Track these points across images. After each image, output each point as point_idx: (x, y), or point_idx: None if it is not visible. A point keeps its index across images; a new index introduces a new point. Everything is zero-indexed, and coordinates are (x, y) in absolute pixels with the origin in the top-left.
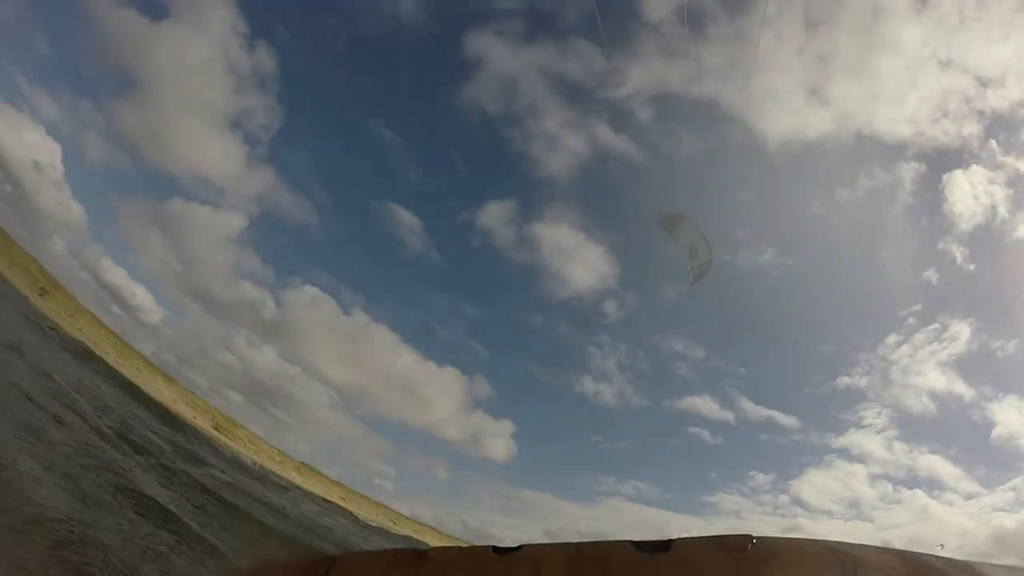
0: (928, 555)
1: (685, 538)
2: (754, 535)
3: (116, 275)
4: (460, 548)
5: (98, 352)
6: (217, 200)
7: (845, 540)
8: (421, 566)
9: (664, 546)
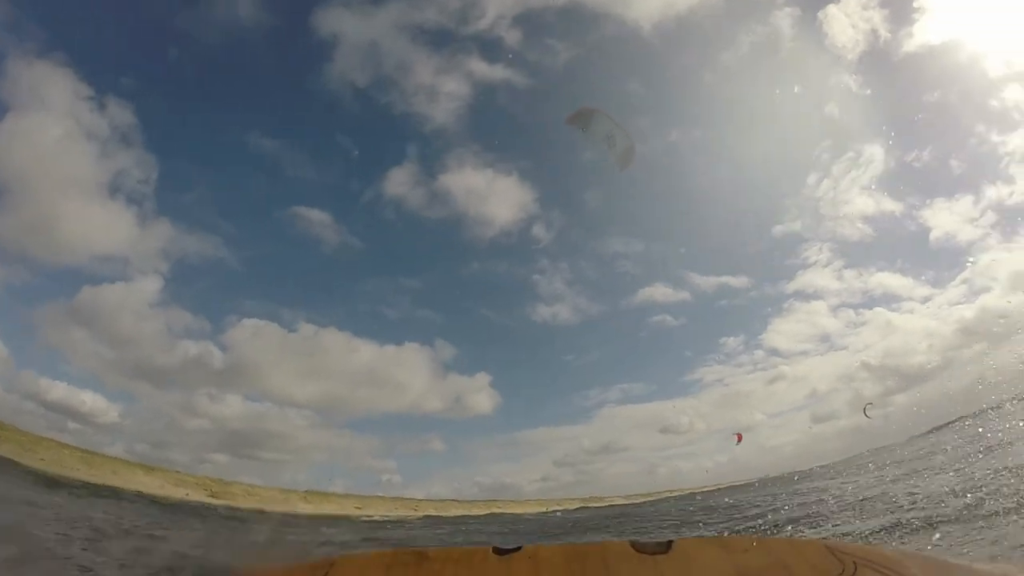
0: (927, 554)
1: (685, 539)
2: (754, 537)
3: (58, 391)
4: (460, 549)
5: (70, 473)
6: (124, 272)
7: (842, 539)
8: (421, 566)
9: (664, 546)
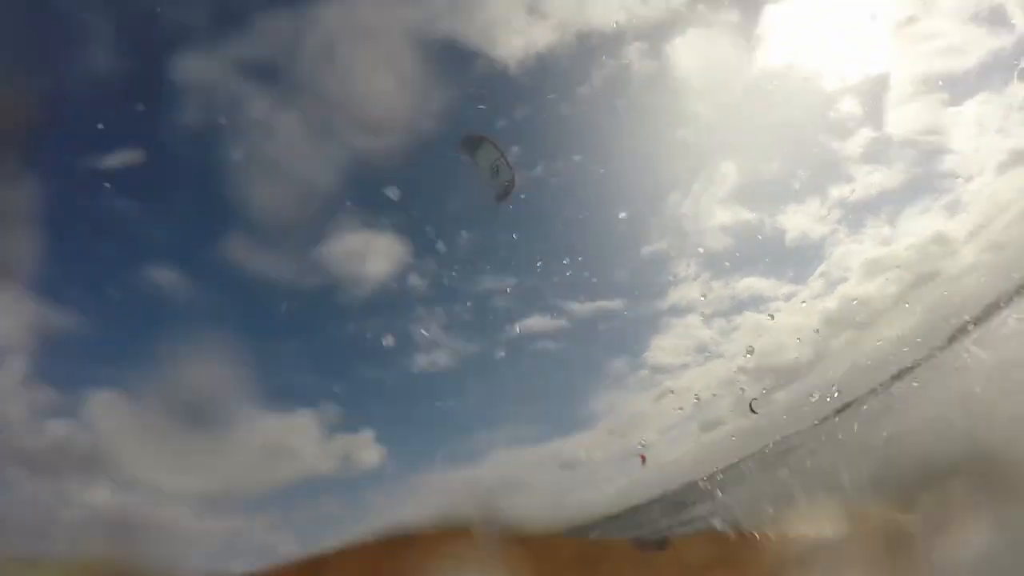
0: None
1: (684, 536)
2: (753, 533)
3: None
4: (454, 533)
5: None
6: None
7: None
8: (412, 552)
9: (663, 544)
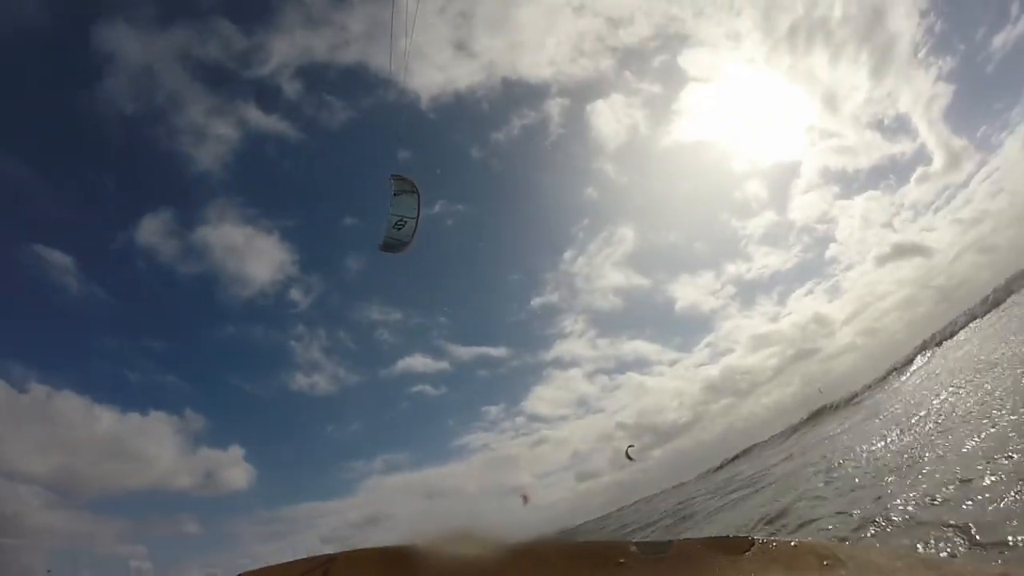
0: (930, 556)
1: (685, 539)
2: (754, 538)
3: None
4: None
5: None
6: None
7: (832, 541)
8: (420, 560)
9: (664, 547)
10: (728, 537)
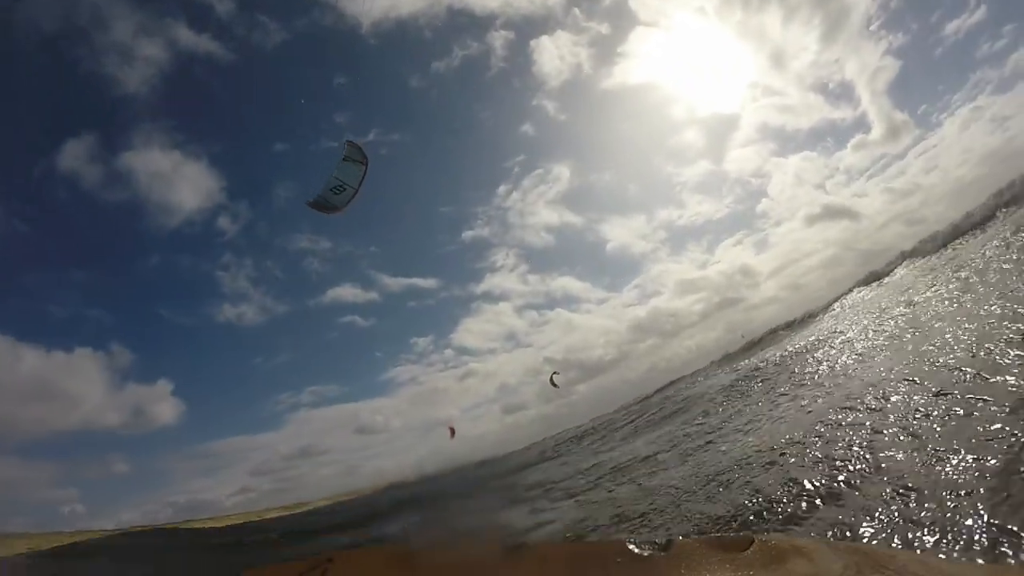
0: (927, 556)
1: (685, 539)
2: (755, 536)
3: None
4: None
5: None
6: None
7: (852, 542)
8: (421, 560)
9: (664, 546)
10: (728, 536)
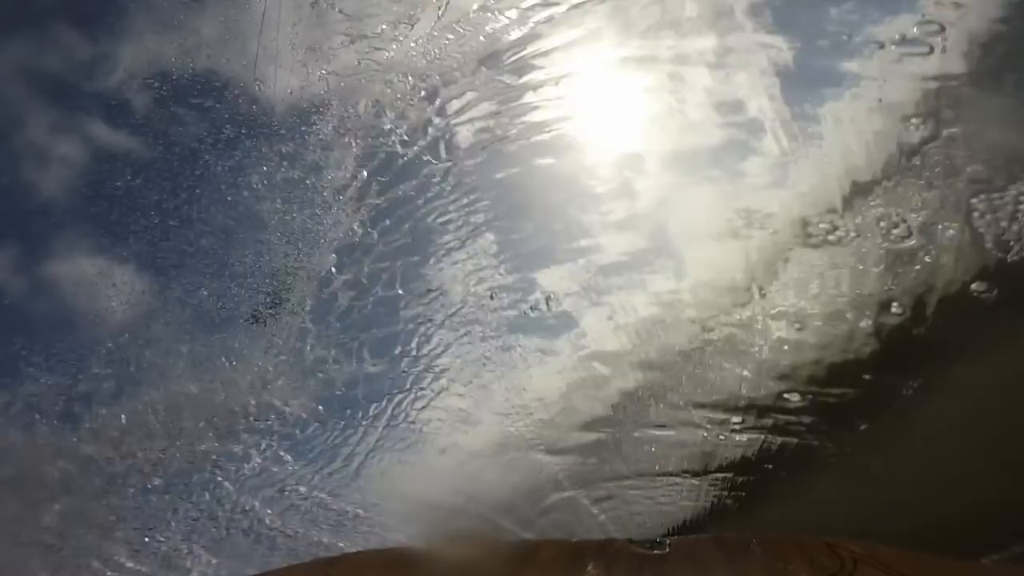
0: (933, 555)
1: (685, 537)
2: (753, 535)
3: None
4: (461, 544)
5: None
6: None
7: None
8: (422, 561)
9: (664, 545)
10: (727, 535)
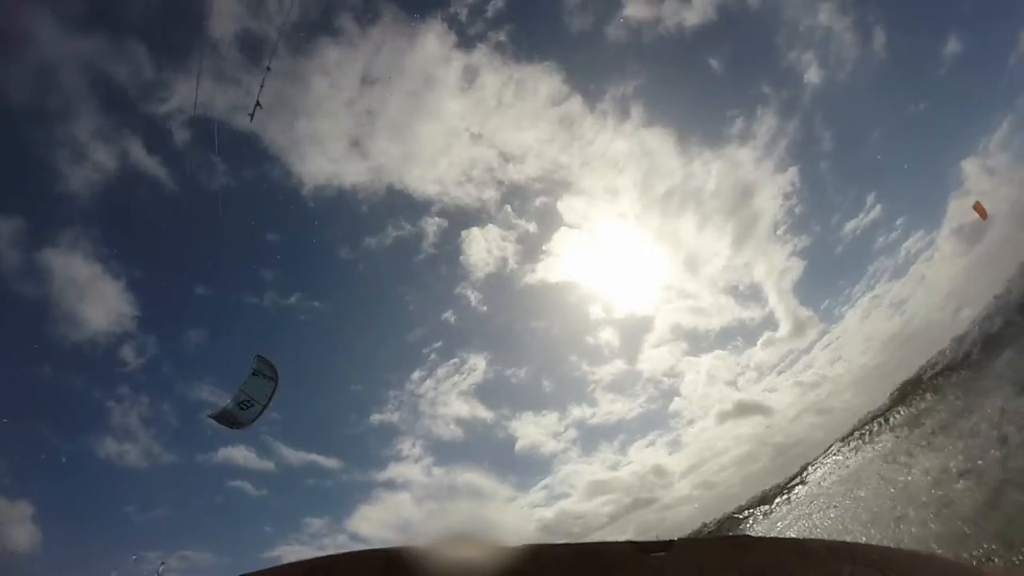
0: (935, 554)
1: (686, 539)
2: (758, 536)
3: None
4: (460, 543)
5: None
6: None
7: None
8: (421, 562)
9: (665, 546)
10: (731, 536)
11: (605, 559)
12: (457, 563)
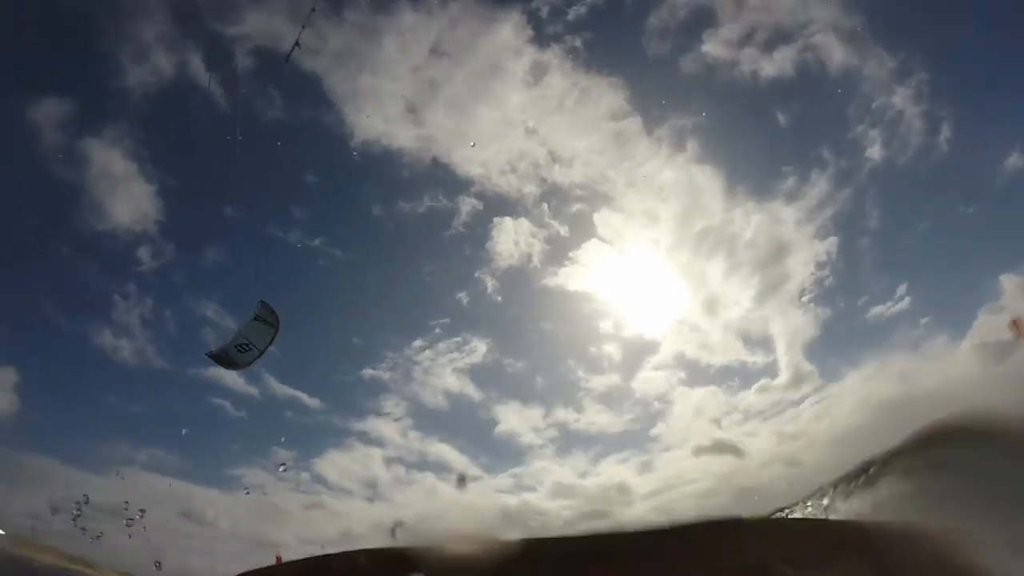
0: (940, 536)
1: (689, 522)
2: (774, 518)
3: None
4: (458, 541)
5: None
6: None
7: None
8: (421, 561)
9: (658, 535)
10: (727, 519)
11: (606, 548)
12: (456, 562)
